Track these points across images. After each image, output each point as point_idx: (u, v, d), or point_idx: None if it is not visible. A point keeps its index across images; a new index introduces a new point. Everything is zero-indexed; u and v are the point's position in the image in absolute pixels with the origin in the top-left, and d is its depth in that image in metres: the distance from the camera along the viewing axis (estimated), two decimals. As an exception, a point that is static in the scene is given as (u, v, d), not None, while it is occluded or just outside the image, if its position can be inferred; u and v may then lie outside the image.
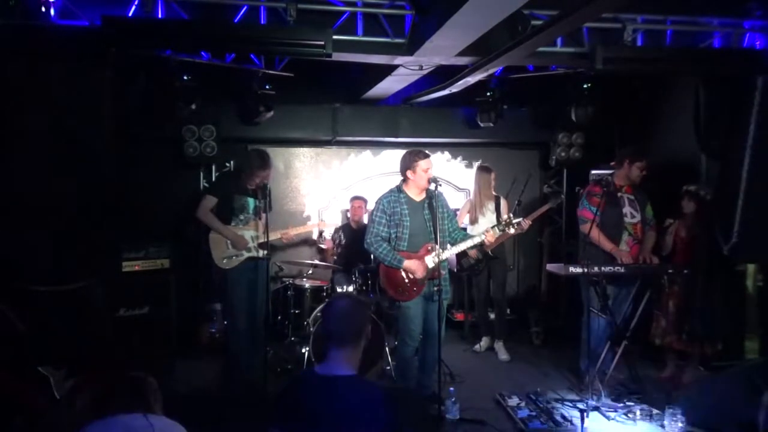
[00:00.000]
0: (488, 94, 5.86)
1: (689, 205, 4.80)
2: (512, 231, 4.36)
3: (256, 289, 4.62)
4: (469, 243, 4.23)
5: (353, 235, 5.79)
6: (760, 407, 2.20)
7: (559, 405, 4.32)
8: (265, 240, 4.44)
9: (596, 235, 4.59)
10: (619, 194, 4.71)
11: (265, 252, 4.53)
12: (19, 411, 3.32)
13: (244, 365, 4.63)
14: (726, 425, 3.59)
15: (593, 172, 5.85)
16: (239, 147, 6.36)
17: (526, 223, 5.03)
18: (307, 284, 5.40)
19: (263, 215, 4.57)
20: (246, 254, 4.56)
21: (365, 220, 5.65)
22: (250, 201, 4.61)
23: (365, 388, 2.20)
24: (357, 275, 5.19)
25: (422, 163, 4.07)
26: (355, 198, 6.06)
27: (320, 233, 6.22)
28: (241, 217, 4.59)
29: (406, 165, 4.11)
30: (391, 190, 4.22)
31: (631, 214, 4.69)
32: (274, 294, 5.77)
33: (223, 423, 4.01)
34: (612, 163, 4.98)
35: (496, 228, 4.19)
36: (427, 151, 4.20)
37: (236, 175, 4.77)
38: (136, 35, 3.99)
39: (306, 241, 6.54)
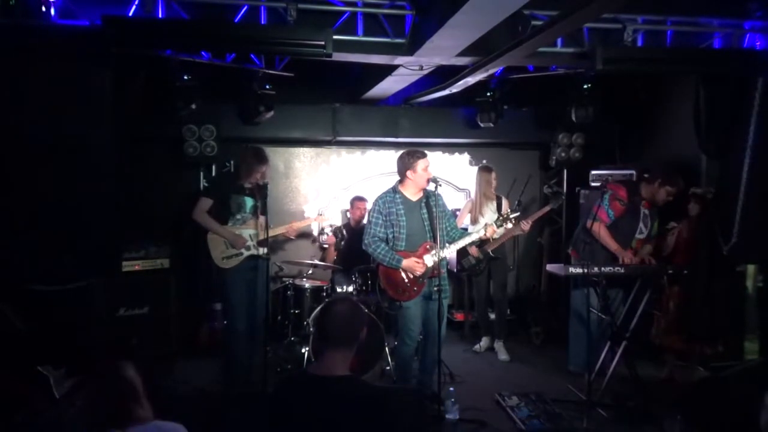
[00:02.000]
0: (488, 94, 5.86)
1: (695, 207, 4.80)
2: (511, 225, 4.36)
3: (256, 289, 4.61)
4: (468, 239, 4.23)
5: (353, 234, 5.78)
6: (762, 408, 2.21)
7: (558, 404, 4.32)
8: (265, 238, 4.44)
9: (599, 230, 4.57)
10: (640, 207, 4.70)
11: (265, 250, 4.53)
12: (19, 410, 3.32)
13: (244, 365, 4.62)
14: (727, 426, 3.59)
15: (593, 172, 5.86)
16: (239, 147, 6.35)
17: (526, 225, 5.03)
18: (307, 284, 5.39)
19: (261, 215, 4.58)
20: (246, 253, 4.56)
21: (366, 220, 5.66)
22: (248, 200, 4.60)
23: (361, 387, 2.20)
24: (357, 275, 5.19)
25: (421, 163, 4.07)
26: (359, 199, 6.02)
27: (321, 230, 6.20)
28: (239, 216, 4.58)
29: (406, 165, 4.11)
30: (387, 191, 4.23)
31: (641, 230, 4.69)
32: (274, 294, 5.76)
33: (223, 423, 4.01)
34: (646, 175, 4.88)
35: (495, 222, 4.21)
36: (424, 151, 4.21)
37: (233, 175, 4.76)
38: (136, 35, 3.99)
39: (305, 235, 6.54)
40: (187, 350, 5.50)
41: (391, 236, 4.14)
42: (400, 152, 4.27)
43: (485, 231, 4.18)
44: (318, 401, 2.07)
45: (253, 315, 4.63)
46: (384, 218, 4.13)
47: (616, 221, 4.64)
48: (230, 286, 4.56)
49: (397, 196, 4.17)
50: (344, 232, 6.03)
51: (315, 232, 6.56)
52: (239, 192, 4.57)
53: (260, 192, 4.55)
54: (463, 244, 4.31)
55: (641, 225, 4.69)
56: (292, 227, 4.95)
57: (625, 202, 4.60)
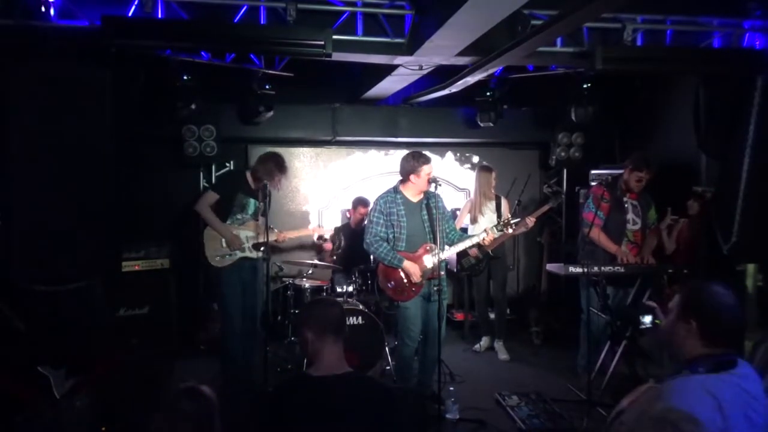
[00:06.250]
0: (488, 94, 5.87)
1: (694, 206, 4.80)
2: (511, 231, 4.36)
3: (255, 289, 4.62)
4: (467, 243, 4.24)
5: (353, 235, 5.78)
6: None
7: (558, 404, 4.33)
8: (262, 241, 4.43)
9: (597, 236, 4.59)
10: (624, 199, 4.70)
11: (260, 253, 4.52)
12: (19, 410, 3.32)
13: (241, 364, 4.62)
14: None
15: (593, 172, 5.86)
16: (239, 147, 6.37)
17: (531, 221, 5.05)
18: (307, 284, 5.38)
19: (261, 218, 4.58)
20: (239, 254, 4.54)
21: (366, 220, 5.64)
22: (252, 202, 4.60)
23: (366, 384, 2.20)
24: (357, 275, 5.19)
25: (426, 168, 4.07)
26: (362, 204, 5.87)
27: (320, 236, 6.18)
28: (239, 216, 4.58)
29: (410, 168, 4.10)
30: (388, 191, 4.23)
31: (633, 221, 4.68)
32: (274, 294, 5.76)
33: (222, 423, 4.00)
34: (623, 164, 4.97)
35: (494, 228, 4.20)
36: (427, 154, 4.21)
37: (242, 174, 4.75)
38: (136, 35, 3.99)
39: (302, 247, 6.52)
40: (187, 350, 5.50)
41: (391, 236, 4.14)
42: (405, 153, 4.27)
43: (485, 237, 4.16)
44: (325, 401, 2.07)
45: (252, 315, 4.63)
46: (385, 218, 4.13)
47: (605, 220, 4.65)
48: (225, 284, 4.54)
49: (398, 196, 4.17)
50: (342, 238, 6.00)
51: (315, 238, 6.53)
52: (247, 192, 4.57)
53: (262, 193, 4.54)
54: (463, 247, 4.31)
55: (631, 216, 4.67)
56: (283, 236, 4.92)
57: (608, 200, 4.61)
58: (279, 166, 4.55)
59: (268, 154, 4.74)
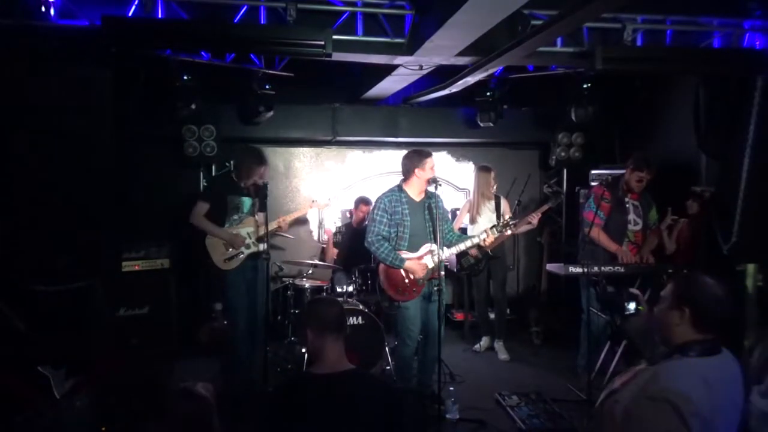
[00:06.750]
0: (488, 94, 5.87)
1: (693, 205, 4.80)
2: (509, 232, 4.36)
3: (256, 289, 4.62)
4: (467, 243, 4.24)
5: (354, 234, 5.78)
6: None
7: (558, 404, 4.33)
8: (264, 234, 4.43)
9: (597, 235, 4.59)
10: (626, 199, 4.70)
11: (265, 245, 4.52)
12: (19, 410, 3.33)
13: (245, 365, 4.63)
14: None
15: (593, 172, 5.86)
16: (239, 147, 6.36)
17: (535, 218, 5.06)
18: (307, 284, 5.38)
19: (259, 214, 4.58)
20: (246, 251, 4.56)
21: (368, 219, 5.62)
22: (246, 200, 4.60)
23: (367, 380, 2.21)
24: (357, 275, 5.19)
25: (429, 160, 4.11)
26: (364, 202, 5.88)
27: (320, 222, 6.14)
28: (235, 216, 4.57)
29: (414, 164, 4.11)
30: (392, 190, 4.23)
31: (634, 221, 4.68)
32: (274, 294, 5.76)
33: (223, 423, 4.01)
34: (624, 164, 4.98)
35: (494, 229, 4.20)
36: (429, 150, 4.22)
37: (228, 176, 4.76)
38: (136, 35, 3.99)
39: (305, 229, 6.57)
40: (187, 350, 5.49)
41: (393, 235, 4.14)
42: (405, 152, 4.27)
43: (486, 239, 4.16)
44: (328, 398, 2.07)
45: (254, 315, 4.63)
46: (389, 217, 4.13)
47: (606, 220, 4.66)
48: (231, 286, 4.56)
49: (402, 195, 4.17)
50: (343, 227, 5.99)
51: (314, 225, 6.53)
52: (237, 192, 4.57)
53: (260, 192, 4.55)
54: (463, 248, 4.31)
55: (632, 217, 4.67)
56: (284, 220, 4.92)
57: (609, 200, 4.62)
58: (258, 160, 4.56)
59: (245, 152, 4.76)
